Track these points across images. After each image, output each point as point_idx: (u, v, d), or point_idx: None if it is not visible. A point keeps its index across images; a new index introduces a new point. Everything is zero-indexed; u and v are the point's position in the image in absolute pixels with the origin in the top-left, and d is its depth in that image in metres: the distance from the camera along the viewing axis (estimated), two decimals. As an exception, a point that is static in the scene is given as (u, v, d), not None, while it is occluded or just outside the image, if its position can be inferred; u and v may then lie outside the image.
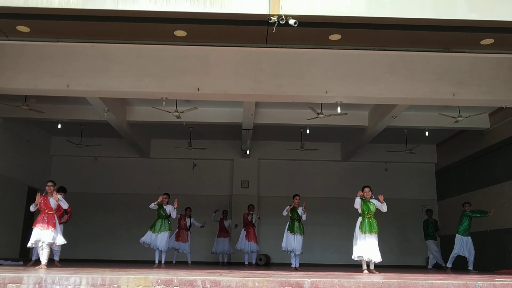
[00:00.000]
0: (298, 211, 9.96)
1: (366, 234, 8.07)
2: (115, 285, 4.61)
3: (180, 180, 15.03)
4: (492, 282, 4.73)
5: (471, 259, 10.43)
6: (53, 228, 7.54)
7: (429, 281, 4.70)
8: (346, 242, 14.85)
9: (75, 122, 12.50)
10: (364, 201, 8.26)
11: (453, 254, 10.52)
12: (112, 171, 15.33)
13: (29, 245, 7.61)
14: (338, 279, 4.73)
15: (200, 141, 14.24)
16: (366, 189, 8.31)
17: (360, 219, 8.28)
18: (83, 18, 6.45)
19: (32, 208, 7.67)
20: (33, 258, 9.27)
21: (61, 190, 9.03)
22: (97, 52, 8.50)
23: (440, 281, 4.72)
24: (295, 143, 14.06)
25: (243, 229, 12.17)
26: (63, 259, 9.68)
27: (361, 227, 8.16)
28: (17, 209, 12.93)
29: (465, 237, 10.45)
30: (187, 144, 13.44)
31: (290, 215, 10.02)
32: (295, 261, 9.90)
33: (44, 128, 13.97)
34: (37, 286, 4.61)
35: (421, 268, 12.86)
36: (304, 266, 10.69)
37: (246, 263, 12.29)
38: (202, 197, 14.61)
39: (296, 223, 9.97)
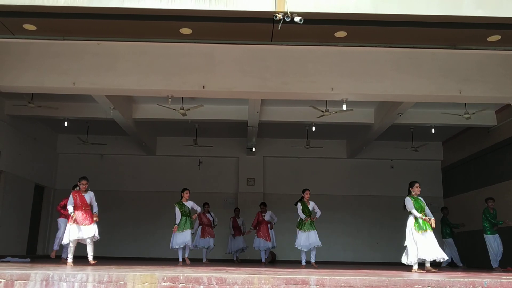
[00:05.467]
0: (309, 206, 9.75)
1: (427, 232, 7.51)
2: (122, 282, 4.63)
3: (185, 177, 15.01)
4: (499, 280, 4.71)
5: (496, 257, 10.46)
6: (93, 223, 7.99)
7: (435, 279, 4.69)
8: (352, 239, 15.00)
9: (81, 120, 12.56)
10: (415, 198, 7.82)
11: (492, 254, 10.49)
12: (118, 168, 15.37)
13: (66, 241, 7.78)
14: (344, 277, 4.73)
15: (206, 139, 14.26)
16: (417, 184, 7.76)
17: (412, 218, 7.75)
18: (89, 16, 6.48)
19: (71, 209, 7.94)
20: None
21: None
22: (103, 50, 8.53)
23: (447, 279, 4.70)
24: (300, 141, 14.04)
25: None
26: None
27: (417, 226, 7.60)
28: (24, 206, 13.01)
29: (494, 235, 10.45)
30: (193, 142, 13.46)
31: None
32: (304, 258, 9.74)
33: (51, 126, 14.03)
34: (44, 283, 4.63)
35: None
36: (309, 264, 10.65)
37: (263, 260, 12.12)
38: (207, 194, 14.56)
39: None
